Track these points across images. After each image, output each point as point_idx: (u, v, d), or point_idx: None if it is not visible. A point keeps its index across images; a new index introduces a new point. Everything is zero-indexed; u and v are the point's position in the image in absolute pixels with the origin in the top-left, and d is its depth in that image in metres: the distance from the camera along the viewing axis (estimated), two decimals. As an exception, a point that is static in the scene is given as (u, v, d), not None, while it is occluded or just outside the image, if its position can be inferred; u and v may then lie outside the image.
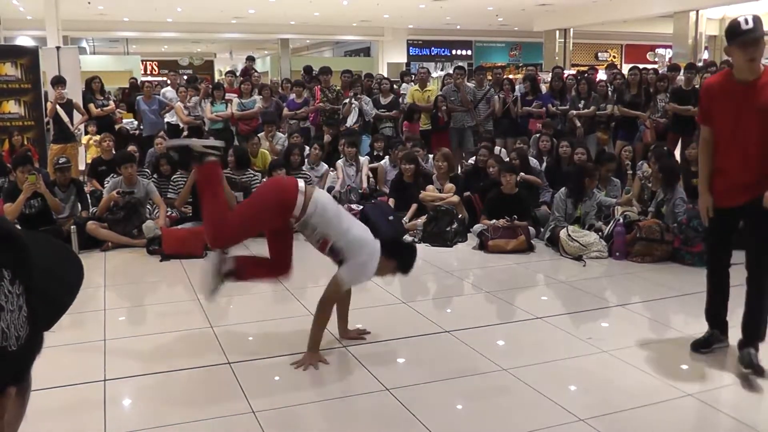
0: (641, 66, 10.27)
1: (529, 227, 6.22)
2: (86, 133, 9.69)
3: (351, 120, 9.16)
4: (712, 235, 3.71)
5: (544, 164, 7.72)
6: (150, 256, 6.01)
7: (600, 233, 5.96)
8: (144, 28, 21.07)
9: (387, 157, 8.02)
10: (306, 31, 22.94)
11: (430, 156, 7.90)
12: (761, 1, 15.93)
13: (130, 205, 6.36)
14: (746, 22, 3.29)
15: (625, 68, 14.38)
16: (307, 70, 11.58)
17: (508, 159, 7.43)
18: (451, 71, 11.58)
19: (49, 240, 0.70)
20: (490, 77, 9.93)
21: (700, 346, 3.68)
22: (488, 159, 7.26)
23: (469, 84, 9.52)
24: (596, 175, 6.46)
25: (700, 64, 12.70)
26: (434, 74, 17.42)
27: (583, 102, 8.96)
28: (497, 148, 8.28)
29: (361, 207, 6.82)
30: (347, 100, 9.22)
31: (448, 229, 6.42)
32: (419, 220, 6.70)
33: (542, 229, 6.41)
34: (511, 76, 11.05)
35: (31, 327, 0.60)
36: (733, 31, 3.33)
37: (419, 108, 9.31)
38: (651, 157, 6.80)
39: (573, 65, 19.80)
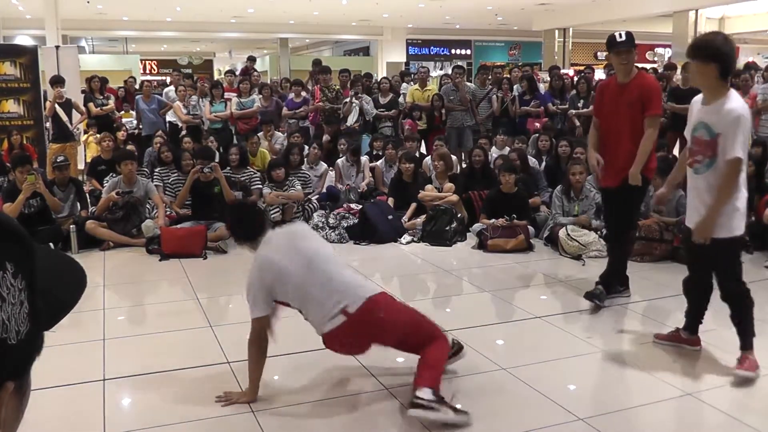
0: (641, 65, 10.27)
1: (528, 226, 6.22)
2: (84, 133, 9.70)
3: (351, 119, 9.16)
4: (606, 210, 4.80)
5: (544, 163, 7.72)
6: (149, 255, 6.01)
7: (600, 233, 5.96)
8: (143, 27, 21.04)
9: (383, 157, 8.02)
10: (305, 30, 22.92)
11: (428, 158, 7.90)
12: (760, 1, 15.95)
13: (129, 204, 6.35)
14: (620, 35, 4.18)
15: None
16: (317, 62, 11.62)
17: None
18: (449, 71, 11.59)
19: (50, 248, 0.72)
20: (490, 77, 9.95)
21: (592, 296, 4.50)
22: (483, 159, 7.26)
23: (469, 84, 9.52)
24: (578, 160, 6.50)
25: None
26: (433, 74, 17.42)
27: (582, 101, 8.97)
28: (506, 148, 8.26)
29: (361, 206, 6.82)
30: (347, 99, 9.22)
31: (447, 228, 6.42)
32: (418, 220, 6.70)
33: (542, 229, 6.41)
34: (507, 76, 11.05)
35: (32, 324, 0.61)
36: (610, 43, 4.22)
37: (420, 107, 9.32)
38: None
39: (572, 65, 19.78)
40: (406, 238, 6.51)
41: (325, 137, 8.75)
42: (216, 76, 23.32)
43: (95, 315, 4.37)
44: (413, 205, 6.86)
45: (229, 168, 7.20)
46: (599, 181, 4.62)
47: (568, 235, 5.89)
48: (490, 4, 17.93)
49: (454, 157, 7.82)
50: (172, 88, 10.39)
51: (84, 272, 0.72)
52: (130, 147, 7.76)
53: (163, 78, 21.26)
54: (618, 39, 4.19)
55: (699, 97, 3.45)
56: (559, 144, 7.49)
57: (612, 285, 4.57)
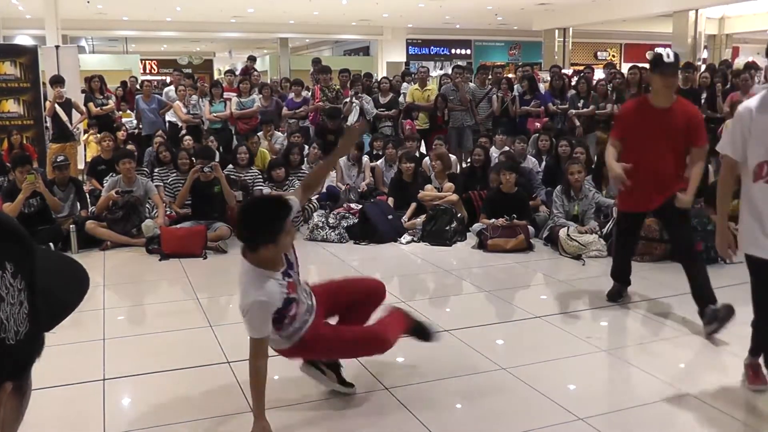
0: (641, 65, 10.26)
1: (528, 226, 6.22)
2: (85, 133, 9.70)
3: (352, 119, 9.15)
4: (626, 230, 4.53)
5: (544, 163, 7.72)
6: (149, 255, 6.01)
7: (599, 233, 5.96)
8: (143, 27, 21.04)
9: (383, 157, 8.02)
10: (305, 30, 22.92)
11: (427, 159, 7.90)
12: (760, 1, 15.95)
13: (129, 204, 6.35)
14: (668, 56, 3.87)
15: (625, 67, 14.35)
16: (317, 61, 11.64)
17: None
18: (449, 71, 11.59)
19: (53, 250, 0.72)
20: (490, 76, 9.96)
21: (616, 297, 4.62)
22: (483, 159, 7.29)
23: (471, 84, 9.52)
24: (576, 160, 6.49)
25: (699, 63, 12.68)
26: (433, 74, 17.41)
27: (582, 101, 8.97)
28: (506, 148, 8.25)
29: (361, 206, 6.82)
30: (347, 99, 9.22)
31: (447, 228, 6.42)
32: (418, 219, 6.70)
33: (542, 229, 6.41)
34: (510, 75, 11.06)
35: (32, 325, 0.60)
36: (657, 62, 3.91)
37: (419, 107, 9.32)
38: None
39: (572, 64, 19.79)
40: (406, 237, 6.51)
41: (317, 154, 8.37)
42: (216, 76, 23.33)
43: (95, 315, 4.36)
44: (413, 205, 6.86)
45: (231, 166, 7.20)
46: (624, 207, 4.38)
47: (568, 235, 5.89)
48: (490, 4, 17.92)
49: (453, 157, 7.82)
50: (172, 87, 10.37)
51: (87, 274, 0.72)
52: (130, 147, 7.76)
53: (163, 78, 21.26)
54: (666, 59, 3.85)
55: (756, 104, 2.96)
56: (559, 144, 7.49)
57: (708, 297, 4.01)
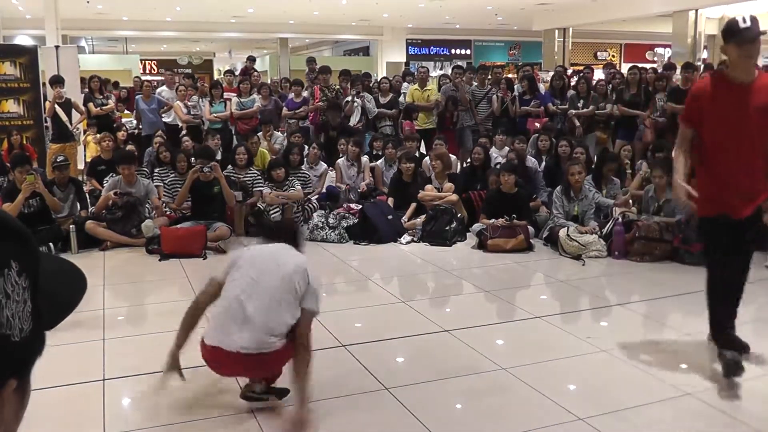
0: (641, 65, 10.27)
1: (528, 226, 6.22)
2: (84, 133, 9.69)
3: (354, 119, 9.13)
4: (719, 247, 3.45)
5: (543, 163, 7.72)
6: (149, 255, 6.01)
7: (599, 233, 5.96)
8: (143, 27, 21.04)
9: (383, 157, 8.02)
10: (305, 30, 22.91)
11: (427, 159, 7.90)
12: (760, 1, 15.93)
13: (128, 204, 6.35)
14: (744, 20, 3.26)
15: (625, 67, 14.35)
16: (311, 60, 11.63)
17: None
18: (449, 72, 11.58)
19: (48, 253, 0.74)
20: (490, 76, 9.95)
21: (736, 368, 3.37)
22: (483, 158, 7.30)
23: (474, 83, 9.51)
24: (576, 160, 6.49)
25: (699, 63, 12.68)
26: (433, 74, 17.42)
27: (582, 101, 8.97)
28: (506, 148, 8.24)
29: (360, 206, 6.82)
30: (348, 98, 9.20)
31: (447, 228, 6.42)
32: (418, 219, 6.70)
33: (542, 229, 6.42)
34: (510, 75, 11.04)
35: (35, 323, 0.61)
36: (731, 30, 3.29)
37: (419, 107, 9.31)
38: (654, 164, 6.75)
39: (572, 64, 19.79)
40: (406, 238, 6.51)
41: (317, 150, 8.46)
42: (216, 76, 23.31)
43: (95, 315, 4.36)
44: (413, 205, 6.86)
45: (231, 166, 7.19)
46: (710, 207, 3.46)
47: (568, 235, 5.89)
48: (490, 4, 17.92)
49: (453, 157, 7.82)
50: (164, 87, 10.32)
51: (83, 275, 0.73)
52: (130, 147, 7.75)
53: (163, 78, 21.28)
54: (742, 24, 3.25)
55: None
56: (559, 144, 7.49)
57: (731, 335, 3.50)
